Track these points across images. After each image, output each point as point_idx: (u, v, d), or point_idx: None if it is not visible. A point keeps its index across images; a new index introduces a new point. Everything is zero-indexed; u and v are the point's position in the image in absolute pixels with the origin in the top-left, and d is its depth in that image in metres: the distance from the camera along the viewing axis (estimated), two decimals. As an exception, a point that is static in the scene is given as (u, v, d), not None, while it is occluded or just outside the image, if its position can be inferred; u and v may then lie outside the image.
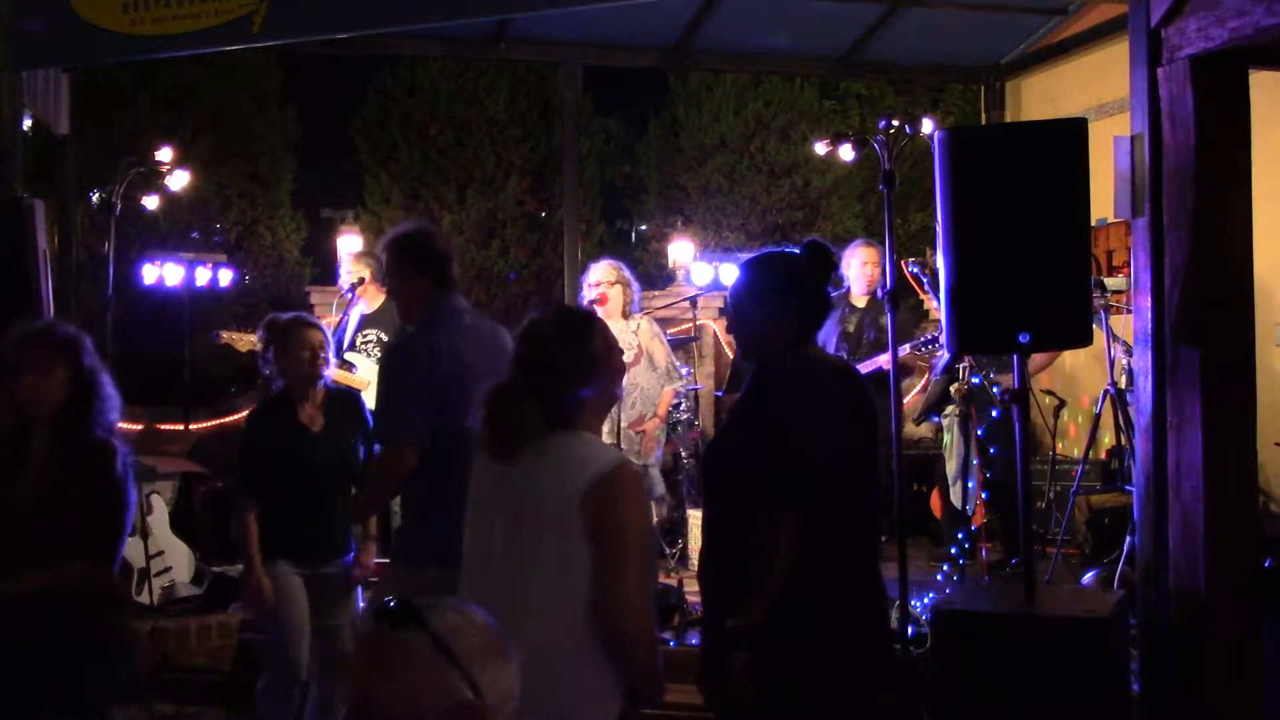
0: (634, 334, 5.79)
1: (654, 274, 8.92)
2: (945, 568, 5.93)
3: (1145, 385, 3.87)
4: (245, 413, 4.88)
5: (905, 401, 6.55)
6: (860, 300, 6.11)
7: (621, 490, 2.42)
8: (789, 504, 2.65)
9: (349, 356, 5.81)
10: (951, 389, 5.85)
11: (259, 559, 3.92)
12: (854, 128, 8.82)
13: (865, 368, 5.84)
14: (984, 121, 8.23)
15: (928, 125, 4.49)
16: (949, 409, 5.94)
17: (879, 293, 5.86)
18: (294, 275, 8.88)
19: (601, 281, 5.79)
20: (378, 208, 8.89)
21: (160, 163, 5.59)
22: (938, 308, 5.31)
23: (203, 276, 7.72)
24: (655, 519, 5.74)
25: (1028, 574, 3.57)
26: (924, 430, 7.19)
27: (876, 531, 3.04)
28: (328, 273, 8.77)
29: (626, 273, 5.90)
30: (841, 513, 2.75)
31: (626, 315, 5.82)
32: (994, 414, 5.84)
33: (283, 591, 3.93)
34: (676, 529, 6.24)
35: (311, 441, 4.00)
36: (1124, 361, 5.38)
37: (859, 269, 6.07)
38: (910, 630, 4.17)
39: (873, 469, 2.96)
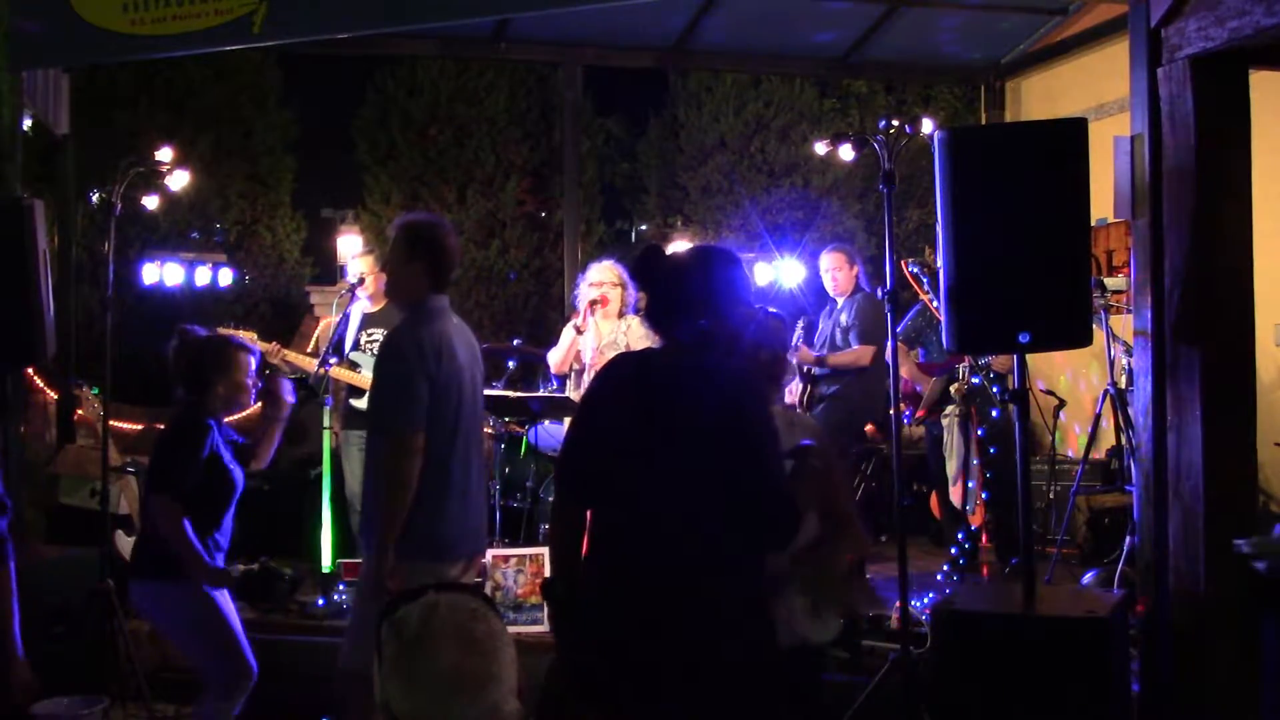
0: (624, 333, 5.77)
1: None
2: (945, 568, 5.94)
3: (1145, 385, 3.87)
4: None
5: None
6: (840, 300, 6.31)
7: None
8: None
9: (353, 356, 5.80)
10: (951, 389, 5.85)
11: None
12: (854, 128, 8.81)
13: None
14: (983, 121, 8.23)
15: (928, 125, 4.48)
16: (949, 409, 5.94)
17: (879, 292, 5.88)
18: (294, 275, 8.87)
19: (604, 282, 5.77)
20: (378, 208, 8.89)
21: (160, 163, 5.56)
22: (938, 308, 5.31)
23: (203, 276, 7.72)
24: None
25: (1028, 574, 3.57)
26: (923, 430, 7.18)
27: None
28: (328, 273, 8.78)
29: (626, 274, 5.88)
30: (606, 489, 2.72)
31: (621, 315, 5.81)
32: (994, 414, 5.84)
33: (225, 607, 3.85)
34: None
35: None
36: (1124, 361, 5.38)
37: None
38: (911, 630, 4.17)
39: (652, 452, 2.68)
